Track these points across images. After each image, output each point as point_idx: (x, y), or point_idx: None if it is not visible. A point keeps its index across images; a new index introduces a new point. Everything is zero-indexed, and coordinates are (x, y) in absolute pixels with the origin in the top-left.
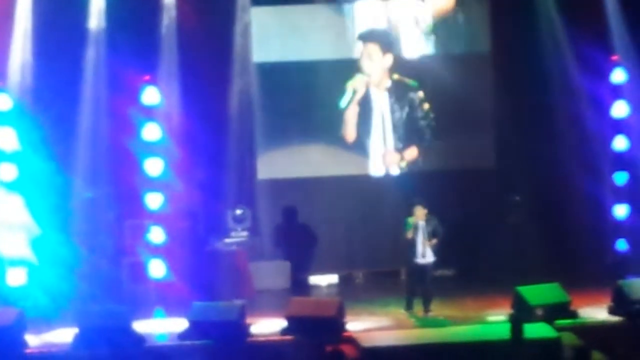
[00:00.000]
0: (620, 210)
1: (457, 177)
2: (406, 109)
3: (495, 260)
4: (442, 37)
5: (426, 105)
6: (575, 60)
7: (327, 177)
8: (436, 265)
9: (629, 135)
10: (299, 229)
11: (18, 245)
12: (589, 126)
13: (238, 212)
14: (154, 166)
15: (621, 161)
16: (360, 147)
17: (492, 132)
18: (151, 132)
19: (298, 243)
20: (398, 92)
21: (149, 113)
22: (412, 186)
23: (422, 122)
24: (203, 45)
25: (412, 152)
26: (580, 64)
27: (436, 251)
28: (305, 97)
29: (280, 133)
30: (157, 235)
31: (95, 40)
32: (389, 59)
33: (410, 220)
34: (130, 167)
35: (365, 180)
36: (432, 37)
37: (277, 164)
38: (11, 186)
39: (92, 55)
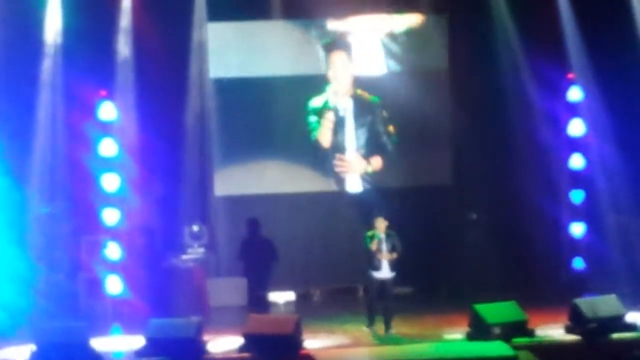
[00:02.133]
0: (577, 229)
1: (414, 194)
2: (369, 122)
3: (453, 277)
4: (399, 54)
5: (390, 128)
6: (531, 78)
7: (284, 193)
8: (395, 281)
9: (585, 153)
10: (261, 243)
11: None
12: (546, 144)
13: (195, 228)
14: (110, 182)
15: (577, 179)
16: (331, 154)
17: (449, 149)
18: (108, 147)
19: (259, 258)
20: (361, 104)
21: (106, 128)
22: (370, 203)
23: (385, 139)
24: (160, 61)
25: (377, 161)
26: (537, 81)
27: (394, 267)
28: (263, 113)
29: (237, 149)
30: (113, 251)
31: (51, 54)
32: (354, 67)
33: (370, 233)
34: (87, 183)
35: (322, 197)
36: (390, 55)
37: (235, 180)
38: None
39: (48, 70)
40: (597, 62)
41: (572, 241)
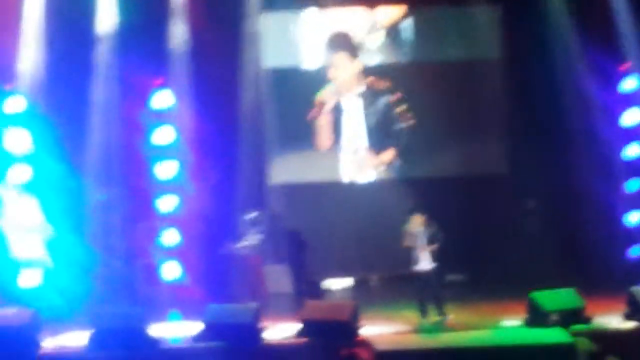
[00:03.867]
0: (633, 217)
1: (471, 183)
2: (380, 112)
3: (510, 265)
4: (454, 44)
5: (401, 107)
6: (586, 68)
7: (339, 182)
8: (441, 270)
9: None
10: (290, 235)
11: (33, 247)
12: (601, 133)
13: (252, 215)
14: (167, 169)
15: (633, 168)
16: (335, 155)
17: (504, 138)
18: (165, 135)
19: (294, 246)
20: (370, 96)
21: (162, 116)
22: (425, 192)
23: (397, 125)
24: (215, 50)
25: (388, 154)
26: (592, 71)
27: (437, 257)
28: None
29: (292, 138)
30: (171, 237)
31: (107, 43)
32: (358, 65)
33: (405, 228)
34: (142, 170)
35: (377, 185)
36: (445, 44)
37: (290, 168)
38: (26, 188)
39: (104, 58)
40: None
41: (628, 230)
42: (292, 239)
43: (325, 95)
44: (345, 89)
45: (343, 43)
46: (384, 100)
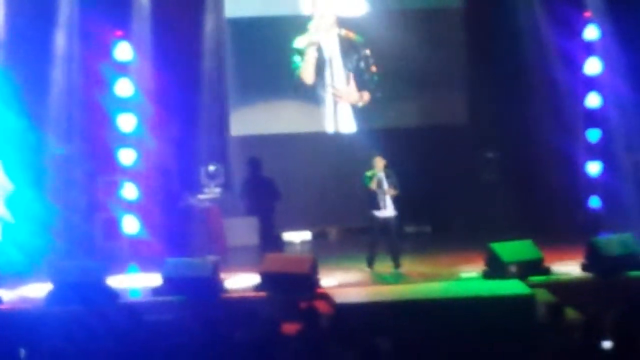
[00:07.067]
0: (593, 168)
1: (431, 134)
2: (354, 62)
3: (469, 217)
4: None
5: (373, 68)
6: (547, 17)
7: (300, 133)
8: (400, 220)
9: (601, 92)
10: (264, 182)
11: None
12: (562, 83)
13: (211, 168)
14: (127, 122)
15: (594, 118)
16: (318, 92)
17: (464, 88)
18: (124, 88)
19: (263, 196)
20: (347, 44)
21: (122, 69)
22: (385, 143)
23: (366, 77)
24: (176, 1)
25: (367, 95)
26: (553, 20)
27: (397, 206)
28: (279, 53)
29: (253, 89)
30: (130, 191)
31: None
32: (338, 4)
33: (370, 173)
34: (103, 123)
35: (338, 137)
36: None
37: (250, 120)
38: None
39: (64, 10)
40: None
41: (588, 180)
42: (266, 189)
43: (316, 28)
44: (325, 24)
45: None
46: (357, 52)
